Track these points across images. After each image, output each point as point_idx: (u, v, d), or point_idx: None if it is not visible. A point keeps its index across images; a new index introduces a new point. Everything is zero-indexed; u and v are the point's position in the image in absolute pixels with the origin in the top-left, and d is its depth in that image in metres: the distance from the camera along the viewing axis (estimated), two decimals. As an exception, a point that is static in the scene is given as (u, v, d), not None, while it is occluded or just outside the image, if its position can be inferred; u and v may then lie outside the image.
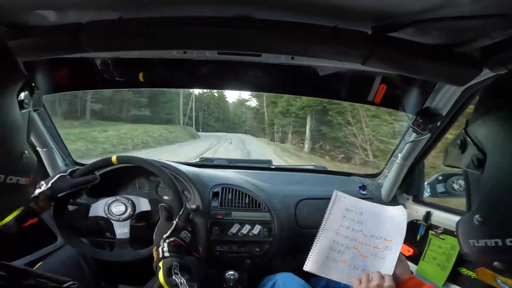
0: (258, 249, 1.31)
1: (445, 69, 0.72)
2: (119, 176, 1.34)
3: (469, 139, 0.46)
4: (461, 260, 1.16)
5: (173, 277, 0.77)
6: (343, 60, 0.77)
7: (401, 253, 0.97)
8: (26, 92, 0.52)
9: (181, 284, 0.76)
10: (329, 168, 1.83)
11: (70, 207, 1.08)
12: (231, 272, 1.30)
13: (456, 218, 1.19)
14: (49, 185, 0.97)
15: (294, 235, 1.38)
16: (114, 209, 1.04)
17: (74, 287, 0.52)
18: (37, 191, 0.96)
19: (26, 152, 0.50)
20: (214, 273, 1.36)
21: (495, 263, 0.43)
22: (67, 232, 1.05)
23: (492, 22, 0.58)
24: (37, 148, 1.24)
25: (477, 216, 0.44)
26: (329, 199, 1.44)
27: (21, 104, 0.50)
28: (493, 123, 0.43)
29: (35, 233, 1.22)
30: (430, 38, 0.69)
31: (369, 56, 0.71)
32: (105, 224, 1.10)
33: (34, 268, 1.02)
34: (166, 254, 0.85)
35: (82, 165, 1.45)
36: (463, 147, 0.47)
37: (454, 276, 1.17)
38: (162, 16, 0.71)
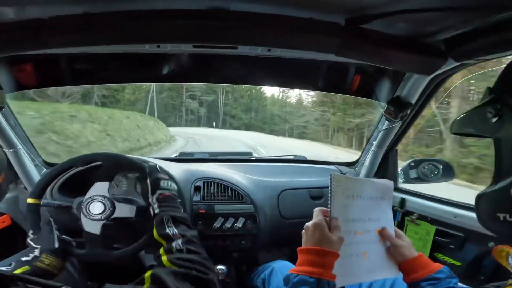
0: (244, 242, 1.32)
1: (413, 60, 0.76)
2: (94, 174, 1.29)
3: (508, 109, 0.44)
4: (436, 246, 1.20)
5: (166, 230, 0.76)
6: (317, 51, 0.79)
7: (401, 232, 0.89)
8: None
9: (173, 235, 0.74)
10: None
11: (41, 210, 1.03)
12: (220, 267, 1.31)
13: (429, 203, 1.27)
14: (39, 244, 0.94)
15: (279, 227, 1.39)
16: (92, 208, 0.99)
17: None
18: (36, 252, 0.92)
19: None
20: None
21: None
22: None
23: (455, 14, 0.62)
24: (4, 150, 1.18)
25: None
26: (309, 188, 1.48)
27: None
28: None
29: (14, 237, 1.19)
30: (399, 30, 0.73)
31: (342, 47, 0.73)
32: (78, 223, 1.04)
33: (20, 272, 0.97)
34: (157, 211, 0.84)
35: (52, 165, 1.39)
36: (498, 115, 0.44)
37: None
38: (132, 10, 0.69)
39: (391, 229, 0.85)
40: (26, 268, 0.86)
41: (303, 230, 0.77)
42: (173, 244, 0.72)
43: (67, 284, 0.52)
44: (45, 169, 1.37)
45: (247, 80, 1.23)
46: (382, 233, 0.84)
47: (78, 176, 1.12)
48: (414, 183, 1.45)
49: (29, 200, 0.99)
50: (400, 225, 1.37)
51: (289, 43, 0.75)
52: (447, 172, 1.39)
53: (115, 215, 1.01)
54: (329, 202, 0.76)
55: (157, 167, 1.01)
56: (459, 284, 0.76)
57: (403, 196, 1.40)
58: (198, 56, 1.07)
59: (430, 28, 0.70)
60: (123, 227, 1.02)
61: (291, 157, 1.85)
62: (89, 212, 0.99)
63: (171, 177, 0.97)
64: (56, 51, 0.97)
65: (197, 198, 1.31)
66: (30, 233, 0.98)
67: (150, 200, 0.88)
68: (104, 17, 0.69)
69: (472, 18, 0.61)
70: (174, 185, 0.95)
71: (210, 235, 1.28)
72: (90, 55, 1.03)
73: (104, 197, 1.02)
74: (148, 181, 0.92)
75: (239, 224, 1.28)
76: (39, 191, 1.01)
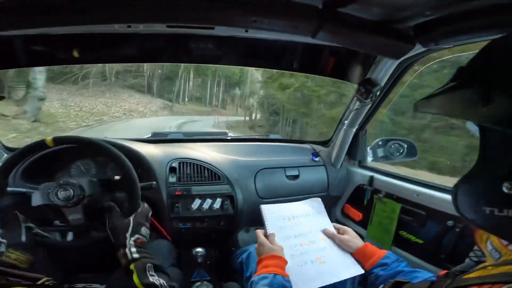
0: (222, 223, 1.33)
1: (384, 44, 0.79)
2: (59, 159, 1.21)
3: (499, 92, 0.39)
4: (401, 224, 1.26)
5: (150, 279, 0.73)
6: (294, 33, 0.79)
7: (346, 226, 1.06)
8: None
9: (161, 286, 0.72)
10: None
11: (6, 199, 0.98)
12: (198, 249, 1.32)
13: (395, 181, 1.33)
14: None
15: (256, 207, 1.40)
16: (61, 194, 0.95)
17: (48, 283, 0.48)
18: (2, 247, 0.84)
19: None
20: (181, 250, 1.36)
21: None
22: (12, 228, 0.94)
23: (425, 1, 0.65)
24: None
25: (508, 184, 0.39)
26: (285, 167, 1.52)
27: None
28: None
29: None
30: (373, 14, 0.75)
31: (318, 29, 0.74)
32: (52, 212, 1.01)
33: None
34: (136, 256, 0.80)
35: (14, 149, 1.31)
36: (485, 99, 0.40)
37: (396, 240, 1.27)
38: None
39: (331, 229, 1.04)
40: None
41: (256, 250, 0.95)
42: None
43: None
44: (5, 155, 1.28)
45: (222, 60, 1.20)
46: (325, 233, 1.02)
47: (43, 160, 1.06)
48: (381, 161, 1.52)
49: None
50: (370, 203, 1.43)
51: (266, 25, 0.75)
52: (411, 151, 1.47)
53: (85, 200, 0.98)
54: (264, 225, 1.00)
55: (149, 212, 0.97)
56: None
57: (372, 174, 1.46)
58: (172, 36, 1.03)
59: (401, 14, 0.72)
60: (95, 212, 1.00)
61: (266, 137, 1.87)
62: (57, 198, 0.95)
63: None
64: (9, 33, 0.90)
65: (172, 179, 1.29)
66: None
67: (127, 240, 0.84)
68: None
69: (440, 6, 0.64)
70: (148, 233, 0.92)
71: (188, 217, 1.28)
72: (56, 35, 0.96)
73: (73, 183, 0.98)
74: (131, 220, 0.88)
75: (216, 205, 1.29)
76: (0, 180, 0.94)
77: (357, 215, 1.54)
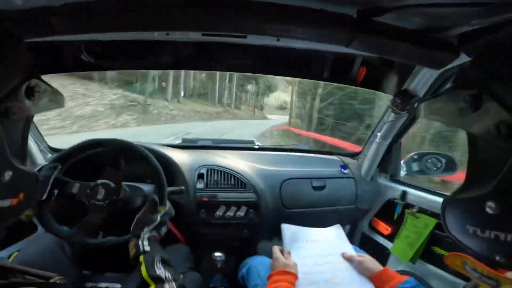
0: (245, 231, 1.33)
1: (424, 53, 0.75)
2: (96, 159, 1.28)
3: (490, 97, 0.35)
4: (434, 240, 1.20)
5: (157, 272, 0.74)
6: (328, 42, 0.78)
7: (363, 252, 1.05)
8: (21, 95, 0.41)
9: (166, 278, 0.73)
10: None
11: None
12: (218, 254, 1.32)
13: (431, 197, 1.26)
14: None
15: (280, 216, 1.40)
16: (94, 193, 1.00)
17: (60, 281, 0.50)
18: None
19: (8, 172, 0.41)
20: (202, 254, 1.37)
21: (498, 256, 0.36)
22: (46, 219, 1.00)
23: (471, 10, 0.60)
24: None
25: (491, 203, 0.35)
26: (311, 178, 1.50)
27: (6, 112, 0.39)
28: None
29: (16, 223, 1.16)
30: (411, 23, 0.72)
31: (353, 39, 0.72)
32: (80, 209, 1.05)
33: (10, 259, 0.98)
34: (147, 248, 0.82)
35: (57, 150, 1.40)
36: (475, 104, 0.36)
37: (428, 255, 1.22)
38: None
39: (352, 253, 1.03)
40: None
41: (270, 265, 0.98)
42: (166, 286, 0.71)
43: (61, 274, 0.53)
44: (50, 155, 1.37)
45: (253, 69, 1.22)
46: (344, 256, 1.02)
47: (83, 161, 1.12)
48: (416, 176, 1.46)
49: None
50: (400, 218, 1.37)
51: (298, 34, 0.74)
52: (450, 166, 1.40)
53: (117, 203, 1.02)
54: (283, 242, 1.04)
55: (172, 214, 1.01)
56: None
57: (405, 188, 1.40)
58: (206, 44, 1.06)
59: (443, 23, 0.68)
60: (125, 214, 1.03)
61: (294, 147, 1.86)
62: (93, 198, 1.00)
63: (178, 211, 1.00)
64: (65, 38, 0.97)
65: (200, 185, 1.31)
66: None
67: (143, 233, 0.86)
68: (114, 4, 0.68)
69: (487, 14, 0.60)
70: (165, 232, 0.95)
71: (212, 223, 1.29)
72: (98, 42, 1.02)
73: (109, 183, 1.02)
74: (158, 219, 0.91)
75: (241, 213, 1.29)
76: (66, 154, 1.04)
77: (386, 229, 1.48)
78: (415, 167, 1.46)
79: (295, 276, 0.89)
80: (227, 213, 1.29)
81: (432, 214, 1.23)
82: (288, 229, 1.09)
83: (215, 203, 1.29)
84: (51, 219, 1.01)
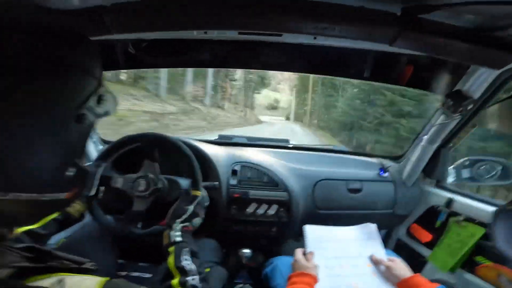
0: (274, 229, 1.32)
1: (481, 53, 0.68)
2: (135, 153, 1.36)
3: None
4: (479, 249, 1.13)
5: (183, 263, 0.75)
6: (368, 40, 0.73)
7: (395, 257, 0.98)
8: (93, 102, 0.44)
9: (190, 270, 0.73)
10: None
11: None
12: (245, 250, 1.34)
13: (480, 205, 1.17)
14: None
15: (311, 217, 1.38)
16: (139, 185, 1.07)
17: (92, 267, 0.53)
18: None
19: (70, 169, 0.44)
20: (229, 250, 1.40)
21: None
22: (96, 211, 1.09)
23: None
24: None
25: None
26: (347, 180, 1.44)
27: (80, 118, 0.43)
28: None
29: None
30: (464, 21, 0.65)
31: (397, 37, 0.68)
32: (125, 200, 1.11)
33: (57, 245, 1.08)
34: (178, 239, 0.83)
35: (108, 142, 1.51)
36: None
37: (469, 265, 1.15)
38: None
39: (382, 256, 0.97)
40: (57, 213, 0.92)
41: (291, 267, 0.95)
42: (189, 279, 0.71)
43: (99, 261, 0.57)
44: (101, 146, 1.49)
45: (290, 67, 1.19)
46: (373, 259, 0.96)
47: (130, 154, 1.20)
48: (465, 183, 1.36)
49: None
50: (444, 225, 1.30)
51: (336, 33, 0.71)
52: (506, 174, 1.26)
53: (157, 193, 1.07)
54: (305, 243, 0.99)
55: (207, 203, 1.03)
56: None
57: (451, 195, 1.31)
58: (242, 43, 1.06)
59: (501, 21, 0.60)
60: (163, 205, 1.09)
61: (330, 147, 1.80)
62: (136, 189, 1.06)
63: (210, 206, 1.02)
64: (111, 37, 1.03)
65: (233, 182, 1.32)
66: None
67: (175, 224, 0.88)
68: (159, 3, 0.71)
69: None
70: (199, 224, 0.96)
71: (242, 220, 1.30)
72: (143, 40, 1.07)
73: (149, 175, 1.08)
74: (191, 209, 0.94)
75: (271, 211, 1.29)
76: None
77: (426, 236, 1.40)
78: (465, 173, 1.35)
79: (314, 278, 0.86)
80: (258, 210, 1.29)
81: (480, 224, 1.15)
82: (310, 230, 1.04)
83: (246, 200, 1.30)
84: (99, 210, 1.09)
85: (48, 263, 0.45)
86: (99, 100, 0.45)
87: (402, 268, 0.90)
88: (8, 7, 0.38)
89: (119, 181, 1.08)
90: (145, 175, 1.08)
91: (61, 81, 0.40)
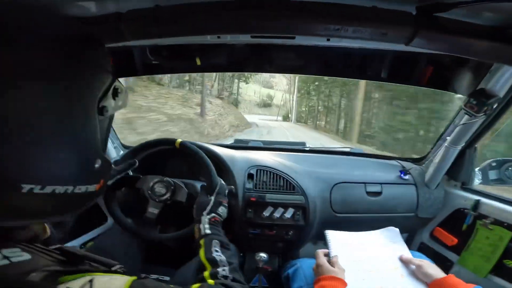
0: (291, 233, 1.30)
1: (504, 50, 0.64)
2: (158, 157, 1.36)
3: None
4: (507, 252, 1.10)
5: (213, 254, 0.76)
6: (383, 41, 0.71)
7: (423, 257, 0.99)
8: (109, 97, 0.48)
9: (221, 261, 0.74)
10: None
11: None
12: (261, 254, 1.33)
13: (509, 208, 1.14)
14: None
15: (328, 221, 1.35)
16: (157, 189, 1.10)
17: (120, 270, 0.55)
18: None
19: (98, 160, 0.48)
20: (245, 253, 1.40)
21: None
22: (116, 214, 1.12)
23: None
24: None
25: None
26: (366, 183, 1.41)
27: (101, 110, 0.47)
28: None
29: (88, 214, 1.31)
30: (484, 19, 0.62)
31: (413, 36, 0.66)
32: (137, 201, 1.14)
33: (85, 248, 1.12)
34: (208, 231, 0.85)
35: (128, 147, 1.56)
36: None
37: (498, 269, 1.12)
38: (195, 2, 0.71)
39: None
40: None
41: (313, 271, 0.94)
42: (219, 269, 0.72)
43: (127, 264, 0.59)
44: (122, 151, 1.54)
45: (304, 69, 1.18)
46: (402, 259, 0.96)
47: (149, 158, 1.23)
48: (493, 185, 1.30)
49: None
50: (470, 228, 1.26)
51: (350, 34, 0.70)
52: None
53: (174, 198, 1.10)
54: (328, 248, 1.00)
55: (226, 190, 1.05)
56: None
57: (478, 197, 1.27)
58: (256, 46, 1.06)
59: None
60: (181, 209, 1.11)
61: (347, 149, 1.77)
62: (154, 194, 1.09)
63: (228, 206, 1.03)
64: (128, 44, 1.07)
65: (249, 185, 1.32)
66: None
67: (202, 217, 0.90)
68: (172, 10, 0.72)
69: None
70: (226, 212, 0.98)
71: (258, 223, 1.29)
72: (157, 46, 1.09)
73: (167, 180, 1.11)
74: (212, 199, 0.96)
75: (288, 215, 1.27)
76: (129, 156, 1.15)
77: (451, 240, 1.35)
78: (492, 175, 1.30)
79: (344, 283, 0.85)
80: (274, 214, 1.27)
81: (508, 226, 1.12)
82: (332, 235, 1.04)
83: (262, 203, 1.29)
84: (118, 210, 1.13)
85: (79, 267, 0.47)
86: (115, 94, 0.49)
87: (433, 267, 0.89)
88: (31, 16, 0.41)
89: (145, 182, 1.11)
90: (164, 179, 1.11)
91: (82, 78, 0.44)
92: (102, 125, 0.48)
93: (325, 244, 1.04)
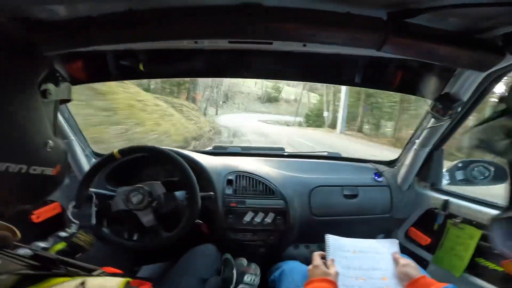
0: (272, 237, 1.31)
1: (466, 55, 0.69)
2: (133, 165, 1.34)
3: None
4: (479, 251, 1.13)
5: None
6: (357, 46, 0.75)
7: (406, 256, 1.01)
8: (50, 82, 0.50)
9: None
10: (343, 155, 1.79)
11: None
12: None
13: (476, 207, 1.18)
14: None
15: (308, 224, 1.37)
16: (134, 199, 1.06)
17: (102, 275, 0.53)
18: (73, 228, 0.98)
19: (50, 142, 0.48)
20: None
21: None
22: (109, 239, 1.08)
23: None
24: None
25: None
26: (343, 186, 1.44)
27: (44, 93, 0.48)
28: None
29: (64, 224, 1.26)
30: (449, 24, 0.67)
31: (384, 42, 0.69)
32: (127, 215, 1.10)
33: (58, 249, 1.05)
34: None
35: (101, 155, 1.49)
36: None
37: (472, 267, 1.15)
38: (170, 7, 0.70)
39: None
40: (63, 244, 0.92)
41: (308, 271, 0.95)
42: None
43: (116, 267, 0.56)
44: (93, 159, 1.47)
45: (282, 75, 1.20)
46: (393, 256, 1.01)
47: (122, 166, 1.19)
48: (460, 185, 1.35)
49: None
50: (441, 228, 1.30)
51: (324, 39, 0.72)
52: (499, 175, 1.27)
53: (155, 195, 1.07)
54: (326, 251, 1.02)
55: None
56: None
57: (446, 197, 1.32)
58: (234, 52, 1.07)
59: (485, 23, 0.62)
60: (160, 216, 1.08)
61: (325, 154, 1.80)
62: (134, 205, 1.05)
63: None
64: (102, 48, 1.03)
65: (229, 191, 1.32)
66: (71, 206, 1.04)
67: None
68: (146, 14, 0.71)
69: None
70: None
71: (239, 229, 1.29)
72: (133, 51, 1.07)
73: (135, 186, 1.07)
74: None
75: (268, 220, 1.28)
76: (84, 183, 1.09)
77: (424, 239, 1.40)
78: (459, 175, 1.35)
79: (335, 286, 0.86)
80: (255, 219, 1.28)
81: (477, 225, 1.16)
82: (332, 239, 1.06)
83: (243, 209, 1.29)
84: (112, 237, 1.09)
85: (53, 271, 0.45)
86: (56, 79, 0.51)
87: (414, 269, 0.93)
88: None
89: (117, 203, 1.07)
90: (139, 188, 1.07)
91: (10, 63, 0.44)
92: (48, 108, 0.50)
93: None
